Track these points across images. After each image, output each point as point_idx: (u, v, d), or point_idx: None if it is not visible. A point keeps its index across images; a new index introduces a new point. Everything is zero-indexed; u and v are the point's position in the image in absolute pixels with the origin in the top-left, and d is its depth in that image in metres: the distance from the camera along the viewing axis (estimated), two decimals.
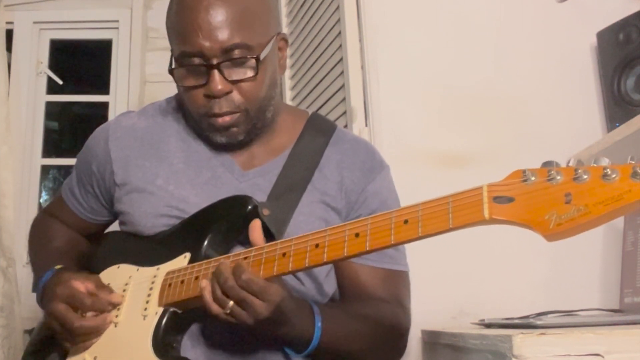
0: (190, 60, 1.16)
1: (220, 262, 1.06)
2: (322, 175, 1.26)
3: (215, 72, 1.14)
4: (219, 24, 1.13)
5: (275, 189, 1.22)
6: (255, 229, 1.11)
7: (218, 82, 1.15)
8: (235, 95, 1.17)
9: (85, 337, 1.17)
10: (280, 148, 1.28)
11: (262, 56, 1.17)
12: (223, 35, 1.14)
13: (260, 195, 1.20)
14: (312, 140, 1.29)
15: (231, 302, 1.01)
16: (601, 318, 1.35)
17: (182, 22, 1.16)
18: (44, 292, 1.23)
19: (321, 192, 1.25)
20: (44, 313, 1.24)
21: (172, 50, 1.21)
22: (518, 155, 1.77)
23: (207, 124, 1.20)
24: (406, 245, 1.23)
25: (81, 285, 1.17)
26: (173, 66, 1.19)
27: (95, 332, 1.17)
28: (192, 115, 1.22)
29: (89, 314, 1.16)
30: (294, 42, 2.36)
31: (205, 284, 1.05)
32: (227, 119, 1.18)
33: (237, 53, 1.15)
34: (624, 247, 1.64)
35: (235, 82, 1.16)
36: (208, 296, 1.04)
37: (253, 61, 1.16)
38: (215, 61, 1.14)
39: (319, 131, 1.31)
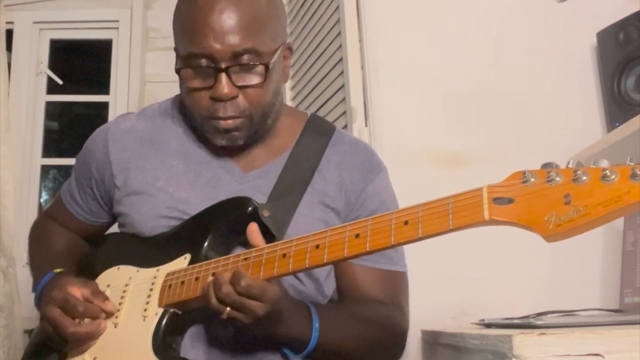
0: (198, 61, 1.15)
1: (218, 272, 1.06)
2: (321, 176, 1.26)
3: (223, 76, 1.14)
4: (231, 28, 1.13)
5: (275, 191, 1.22)
6: (254, 232, 1.11)
7: (225, 86, 1.14)
8: (241, 100, 1.17)
9: (79, 342, 1.17)
10: (280, 149, 1.28)
11: (271, 64, 1.16)
12: (234, 39, 1.13)
13: (260, 197, 1.20)
14: (311, 142, 1.28)
15: (228, 309, 1.02)
16: (601, 318, 1.35)
17: (193, 23, 1.15)
18: (41, 294, 1.23)
19: (321, 194, 1.25)
20: (39, 316, 1.24)
21: (177, 49, 1.21)
22: (518, 155, 1.78)
23: (210, 126, 1.19)
24: (406, 245, 1.23)
25: (77, 290, 1.16)
26: (178, 65, 1.19)
27: (88, 338, 1.17)
28: (194, 117, 1.21)
29: (84, 320, 1.16)
30: (294, 42, 2.36)
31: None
32: (230, 122, 1.18)
33: (246, 58, 1.14)
34: (624, 247, 1.64)
35: (242, 87, 1.16)
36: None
37: (261, 67, 1.16)
38: (224, 65, 1.13)
39: (318, 132, 1.31)
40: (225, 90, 1.14)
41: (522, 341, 0.95)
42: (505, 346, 0.97)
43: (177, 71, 1.18)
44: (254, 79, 1.16)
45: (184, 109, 1.30)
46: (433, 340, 1.53)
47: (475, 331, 1.26)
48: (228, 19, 1.13)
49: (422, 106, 1.86)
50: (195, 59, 1.15)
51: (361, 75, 1.91)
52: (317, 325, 1.10)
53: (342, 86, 1.97)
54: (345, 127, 1.92)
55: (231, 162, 1.26)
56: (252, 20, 1.14)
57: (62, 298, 1.15)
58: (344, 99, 1.96)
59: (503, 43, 1.89)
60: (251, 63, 1.15)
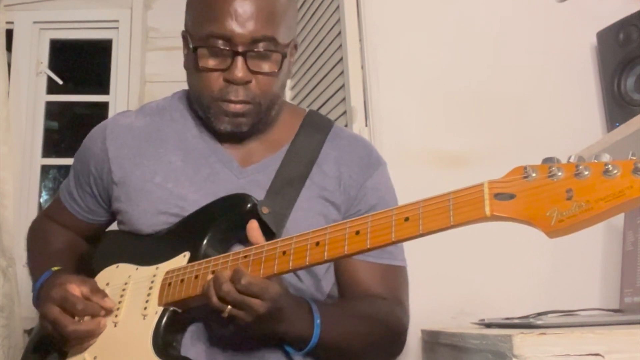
0: (216, 41, 1.16)
1: (218, 270, 1.06)
2: (320, 170, 1.26)
3: (240, 59, 1.15)
4: (254, 14, 1.15)
5: (273, 185, 1.22)
6: (254, 229, 1.11)
7: (241, 69, 1.16)
8: (253, 87, 1.18)
9: (79, 340, 1.16)
10: (279, 144, 1.28)
11: (286, 54, 1.19)
12: (256, 25, 1.15)
13: (259, 191, 1.20)
14: (309, 137, 1.29)
15: (228, 307, 1.02)
16: (601, 318, 1.35)
17: (216, 4, 1.16)
18: (39, 293, 1.23)
19: (320, 187, 1.25)
20: (38, 314, 1.23)
21: (189, 31, 1.22)
22: (518, 155, 1.75)
23: (218, 108, 1.20)
24: (407, 245, 1.23)
25: (76, 288, 1.16)
26: (194, 44, 1.19)
27: (88, 336, 1.16)
28: (202, 98, 1.21)
29: (84, 317, 1.16)
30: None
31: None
32: (239, 106, 1.19)
33: (264, 45, 1.16)
34: (624, 247, 1.64)
35: (256, 74, 1.17)
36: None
37: (277, 56, 1.18)
38: (241, 49, 1.15)
39: (317, 127, 1.31)
40: (241, 74, 1.16)
41: (522, 341, 0.95)
42: (505, 346, 0.97)
43: (194, 49, 1.19)
44: (268, 67, 1.18)
45: (183, 104, 1.31)
46: (433, 340, 1.53)
47: (475, 331, 1.26)
48: (251, 5, 1.15)
49: (422, 106, 1.86)
50: (213, 39, 1.16)
51: (361, 75, 1.91)
52: (318, 322, 1.10)
53: (342, 86, 1.98)
54: (345, 127, 1.92)
55: (230, 157, 1.26)
56: (273, 10, 1.16)
57: (61, 296, 1.15)
58: (344, 99, 1.96)
59: (503, 43, 1.89)
60: (268, 51, 1.17)
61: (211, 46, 1.17)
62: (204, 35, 1.17)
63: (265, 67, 1.18)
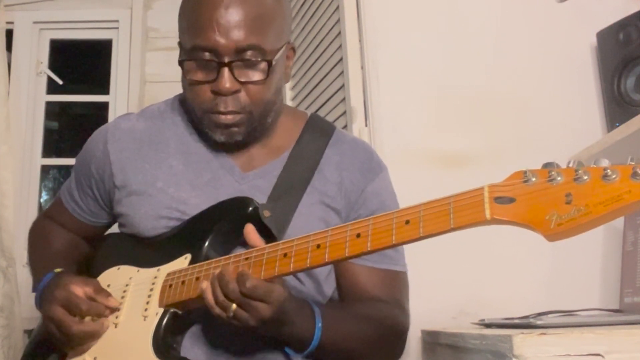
0: (202, 54, 1.15)
1: (222, 266, 1.06)
2: (321, 176, 1.26)
3: (226, 70, 1.14)
4: (237, 23, 1.13)
5: (275, 191, 1.22)
6: (250, 232, 1.11)
7: (227, 80, 1.15)
8: (242, 96, 1.17)
9: (83, 341, 1.17)
10: (280, 149, 1.28)
11: (274, 61, 1.17)
12: (239, 34, 1.14)
13: (260, 196, 1.20)
14: (311, 142, 1.29)
15: (234, 306, 1.02)
16: (601, 318, 1.35)
17: (199, 16, 1.15)
18: (42, 294, 1.23)
19: (321, 193, 1.25)
20: (41, 316, 1.24)
21: (181, 42, 1.21)
22: (518, 155, 1.78)
23: (209, 120, 1.20)
24: (407, 245, 1.23)
25: (79, 289, 1.17)
26: (182, 57, 1.19)
27: (92, 337, 1.17)
28: (195, 110, 1.22)
29: (87, 318, 1.17)
30: (294, 41, 2.35)
31: (205, 285, 1.05)
32: (229, 117, 1.18)
33: (249, 54, 1.15)
34: (624, 247, 1.64)
35: (243, 83, 1.16)
36: (210, 298, 1.04)
37: (264, 64, 1.16)
38: (227, 59, 1.14)
39: (318, 132, 1.31)
40: (227, 85, 1.15)
41: (522, 341, 0.95)
42: (505, 346, 0.98)
43: (180, 63, 1.19)
44: (256, 76, 1.17)
45: (185, 107, 1.30)
46: (433, 340, 1.53)
47: (475, 331, 1.26)
48: (234, 14, 1.13)
49: (422, 106, 1.86)
50: (199, 51, 1.15)
51: (361, 75, 1.91)
52: (319, 325, 1.10)
53: (342, 86, 1.98)
54: (345, 127, 1.92)
55: (231, 162, 1.26)
56: (258, 17, 1.15)
57: (65, 297, 1.16)
58: (344, 99, 1.96)
59: (503, 43, 1.89)
60: (254, 59, 1.15)
61: (197, 59, 1.16)
62: (190, 48, 1.17)
63: (253, 75, 1.16)
